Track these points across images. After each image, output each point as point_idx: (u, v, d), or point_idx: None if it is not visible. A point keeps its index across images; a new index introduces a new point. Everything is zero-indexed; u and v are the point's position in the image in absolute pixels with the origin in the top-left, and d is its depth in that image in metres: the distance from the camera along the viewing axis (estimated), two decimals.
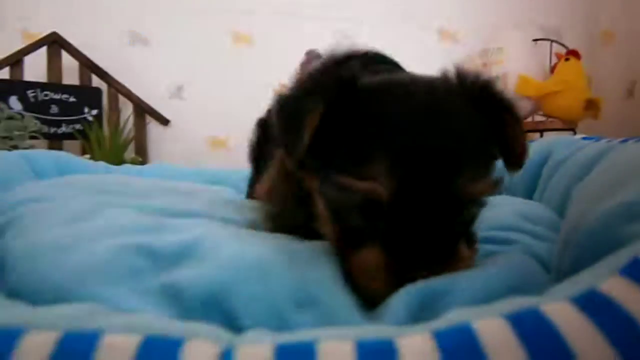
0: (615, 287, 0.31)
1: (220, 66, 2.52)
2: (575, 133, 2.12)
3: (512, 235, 0.57)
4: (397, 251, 0.39)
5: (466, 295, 0.35)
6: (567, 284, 0.33)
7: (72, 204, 0.56)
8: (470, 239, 0.45)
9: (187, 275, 0.40)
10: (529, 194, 0.94)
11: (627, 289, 0.30)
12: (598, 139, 0.87)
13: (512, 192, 0.99)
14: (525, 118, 2.10)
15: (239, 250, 0.40)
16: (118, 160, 2.03)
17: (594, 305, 0.30)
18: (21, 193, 0.70)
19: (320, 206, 0.46)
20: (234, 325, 0.36)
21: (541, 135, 1.99)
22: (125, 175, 1.23)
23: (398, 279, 0.38)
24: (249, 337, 0.28)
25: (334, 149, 0.42)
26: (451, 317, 0.30)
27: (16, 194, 0.70)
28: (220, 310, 0.38)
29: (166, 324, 0.28)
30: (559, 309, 0.29)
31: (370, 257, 0.40)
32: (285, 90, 0.51)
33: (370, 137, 0.40)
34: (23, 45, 2.19)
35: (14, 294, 0.41)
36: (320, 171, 0.44)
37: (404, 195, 0.38)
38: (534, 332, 0.28)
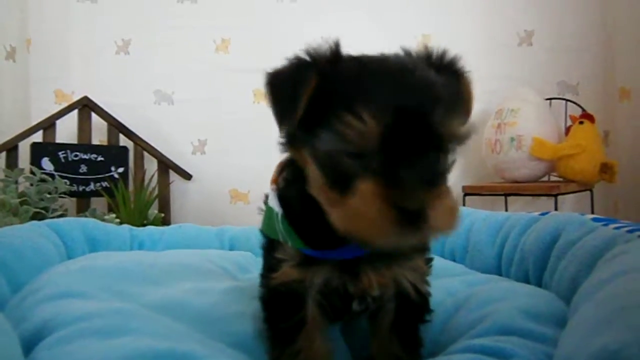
0: None
1: (241, 121, 2.60)
2: (592, 193, 2.11)
3: (513, 344, 0.58)
4: (390, 181, 0.45)
5: None
6: None
7: (98, 312, 0.60)
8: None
9: None
10: (539, 273, 0.95)
11: None
12: (607, 223, 0.89)
13: (524, 270, 1.00)
14: (539, 179, 2.11)
15: None
16: (142, 218, 2.10)
17: None
18: (51, 285, 0.75)
19: (312, 169, 0.52)
20: None
21: (555, 200, 1.96)
22: (147, 247, 1.31)
23: (392, 206, 0.44)
24: None
25: (328, 111, 0.48)
26: None
27: (46, 286, 0.75)
28: None
29: None
30: None
31: (365, 188, 0.46)
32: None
33: (361, 92, 0.48)
34: (55, 103, 2.35)
35: None
36: (310, 138, 0.50)
37: (391, 133, 0.45)
38: None
